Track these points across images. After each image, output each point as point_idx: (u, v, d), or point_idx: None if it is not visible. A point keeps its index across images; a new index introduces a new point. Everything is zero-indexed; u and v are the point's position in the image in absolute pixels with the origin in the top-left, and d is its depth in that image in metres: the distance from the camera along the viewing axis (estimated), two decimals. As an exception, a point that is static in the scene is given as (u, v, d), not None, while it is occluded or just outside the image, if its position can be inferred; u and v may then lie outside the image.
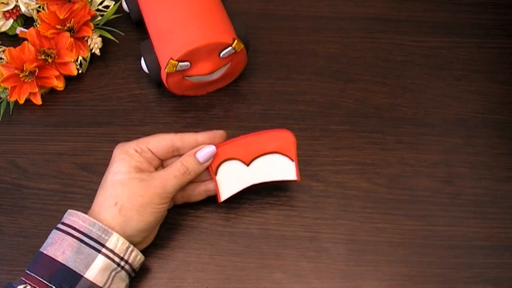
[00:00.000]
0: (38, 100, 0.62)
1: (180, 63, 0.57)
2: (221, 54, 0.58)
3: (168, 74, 0.58)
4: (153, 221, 0.51)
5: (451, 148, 0.62)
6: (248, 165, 0.54)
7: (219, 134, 0.54)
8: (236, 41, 0.57)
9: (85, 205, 0.57)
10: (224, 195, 0.54)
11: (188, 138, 0.53)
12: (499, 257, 0.56)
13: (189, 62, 0.57)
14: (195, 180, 0.54)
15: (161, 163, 0.54)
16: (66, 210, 0.51)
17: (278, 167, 0.54)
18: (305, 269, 0.55)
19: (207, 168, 0.53)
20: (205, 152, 0.52)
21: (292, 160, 0.54)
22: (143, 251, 0.51)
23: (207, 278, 0.55)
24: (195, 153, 0.52)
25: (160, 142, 0.52)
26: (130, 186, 0.50)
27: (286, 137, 0.54)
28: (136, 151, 0.51)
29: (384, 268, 0.55)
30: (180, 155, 0.53)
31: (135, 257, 0.50)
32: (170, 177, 0.51)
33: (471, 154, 0.62)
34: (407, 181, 0.60)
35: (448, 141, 0.63)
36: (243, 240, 0.56)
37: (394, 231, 0.57)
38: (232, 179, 0.54)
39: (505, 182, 0.60)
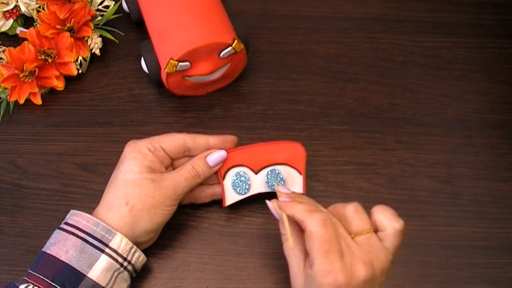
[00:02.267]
0: (38, 100, 0.62)
1: (180, 63, 0.57)
2: (221, 54, 0.58)
3: (168, 74, 0.58)
4: (162, 222, 0.51)
5: (451, 148, 0.62)
6: (256, 173, 0.54)
7: (230, 139, 0.54)
8: (236, 41, 0.57)
9: (85, 205, 0.57)
10: (229, 200, 0.54)
11: (200, 140, 0.53)
12: (499, 257, 0.56)
13: (189, 62, 0.57)
14: (204, 182, 0.54)
15: (172, 163, 0.54)
16: (66, 210, 0.51)
17: (286, 179, 0.54)
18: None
19: (216, 172, 0.53)
20: (216, 156, 0.52)
21: (300, 174, 0.54)
22: (143, 251, 0.51)
23: (207, 278, 0.55)
24: (206, 156, 0.52)
25: (173, 141, 0.52)
26: (142, 186, 0.50)
27: (297, 150, 0.54)
28: (149, 150, 0.51)
29: (384, 268, 0.55)
30: (191, 156, 0.54)
31: (138, 257, 0.50)
32: (181, 179, 0.51)
33: (471, 154, 0.62)
34: (407, 181, 0.60)
35: (448, 141, 0.63)
36: (243, 240, 0.56)
37: (394, 231, 0.57)
38: None
39: (505, 182, 0.60)
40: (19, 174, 0.59)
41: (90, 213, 0.50)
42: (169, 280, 0.55)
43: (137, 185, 0.50)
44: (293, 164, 0.54)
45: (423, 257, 0.56)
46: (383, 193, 0.59)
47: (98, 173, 0.59)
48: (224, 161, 0.53)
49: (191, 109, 0.64)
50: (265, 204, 0.57)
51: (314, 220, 0.43)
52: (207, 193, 0.55)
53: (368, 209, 0.58)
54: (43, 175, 0.59)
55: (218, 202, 0.56)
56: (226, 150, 0.53)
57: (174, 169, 0.54)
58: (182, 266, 0.55)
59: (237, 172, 0.54)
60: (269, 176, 0.54)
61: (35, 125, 0.62)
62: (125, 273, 0.49)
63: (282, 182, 0.54)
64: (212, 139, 0.53)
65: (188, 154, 0.54)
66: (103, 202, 0.51)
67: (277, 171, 0.54)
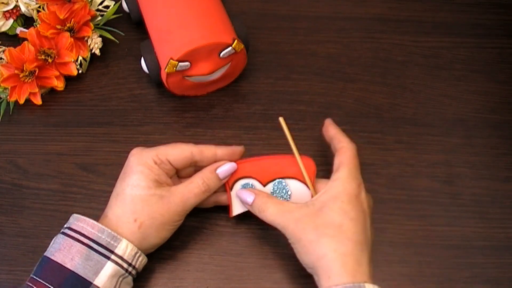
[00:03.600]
0: (38, 100, 0.62)
1: (180, 63, 0.57)
2: (221, 54, 0.58)
3: (168, 74, 0.58)
4: (169, 236, 0.51)
5: (451, 148, 0.62)
6: (264, 185, 0.54)
7: (238, 150, 0.53)
8: (236, 41, 0.57)
9: (85, 205, 0.57)
10: (236, 210, 0.54)
11: (207, 152, 0.52)
12: (499, 257, 0.56)
13: (189, 62, 0.57)
14: None
15: (176, 172, 0.53)
16: (66, 210, 0.51)
17: (294, 193, 0.54)
18: (305, 269, 0.55)
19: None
20: (226, 168, 0.52)
21: (309, 188, 0.53)
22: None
23: (207, 278, 0.55)
24: (216, 169, 0.52)
25: (179, 155, 0.51)
26: (150, 203, 0.49)
27: (307, 165, 0.53)
28: (155, 163, 0.50)
29: (384, 268, 0.55)
30: (196, 167, 0.53)
31: (141, 261, 0.50)
32: (191, 196, 0.50)
33: (471, 154, 0.62)
34: (407, 181, 0.60)
35: (448, 141, 0.63)
36: (243, 240, 0.56)
37: (394, 231, 0.57)
38: None
39: (505, 182, 0.60)
40: (19, 174, 0.59)
41: (91, 214, 0.49)
42: (169, 280, 0.55)
43: (145, 203, 0.49)
44: (302, 179, 0.53)
45: (423, 257, 0.56)
46: (383, 193, 0.59)
47: (98, 173, 0.59)
48: (232, 172, 0.53)
49: (191, 109, 0.64)
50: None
51: (351, 143, 0.52)
52: (210, 201, 0.55)
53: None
54: (43, 175, 0.59)
55: (227, 214, 0.56)
56: (235, 162, 0.53)
57: (178, 177, 0.54)
58: (182, 266, 0.55)
59: (245, 183, 0.53)
60: (275, 188, 0.54)
61: (35, 125, 0.62)
62: (129, 278, 0.49)
63: (288, 195, 0.53)
64: (220, 151, 0.52)
65: (194, 165, 0.53)
66: (111, 214, 0.50)
67: (284, 183, 0.53)
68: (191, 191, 0.50)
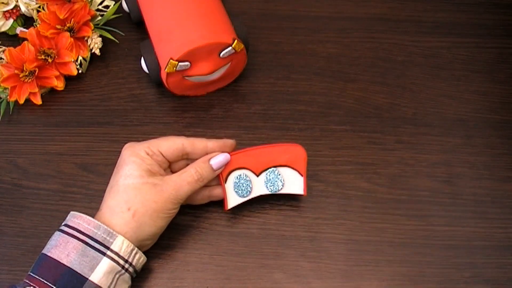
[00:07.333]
0: (38, 100, 0.62)
1: (180, 63, 0.57)
2: (221, 54, 0.58)
3: (168, 74, 0.58)
4: (164, 225, 0.51)
5: (451, 148, 0.62)
6: (258, 175, 0.54)
7: (229, 143, 0.53)
8: (236, 41, 0.57)
9: (85, 205, 0.57)
10: (231, 203, 0.54)
11: (198, 144, 0.53)
12: (499, 257, 0.56)
13: (189, 62, 0.57)
14: None
15: (169, 165, 0.54)
16: (66, 210, 0.51)
17: (287, 180, 0.54)
18: (305, 269, 0.55)
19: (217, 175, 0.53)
20: (220, 159, 0.52)
21: (301, 175, 0.54)
22: (144, 252, 0.51)
23: (207, 278, 0.55)
24: (209, 159, 0.52)
25: (171, 146, 0.52)
26: (143, 191, 0.49)
27: (297, 152, 0.54)
28: (147, 154, 0.51)
29: (384, 268, 0.55)
30: (189, 159, 0.53)
31: (139, 259, 0.50)
32: (184, 184, 0.51)
33: (471, 154, 0.62)
34: (407, 181, 0.60)
35: (448, 141, 0.63)
36: (243, 240, 0.56)
37: (394, 231, 0.57)
38: None
39: (505, 182, 0.60)
40: (19, 174, 0.59)
41: (91, 214, 0.49)
42: (169, 280, 0.55)
43: (138, 190, 0.49)
44: (294, 166, 0.54)
45: (423, 257, 0.56)
46: (383, 193, 0.59)
47: (98, 173, 0.59)
48: (226, 164, 0.53)
49: (191, 109, 0.64)
50: (265, 204, 0.58)
51: None
52: (204, 195, 0.55)
53: (368, 209, 0.59)
54: (43, 175, 0.59)
55: (217, 202, 0.56)
56: (228, 153, 0.53)
57: (171, 171, 0.54)
58: (182, 266, 0.55)
59: (238, 175, 0.54)
60: (269, 177, 0.54)
61: (35, 125, 0.62)
62: (126, 275, 0.49)
63: (281, 183, 0.54)
64: (211, 143, 0.53)
65: (186, 158, 0.54)
66: (104, 207, 0.50)
67: (276, 172, 0.54)
68: (184, 179, 0.51)
